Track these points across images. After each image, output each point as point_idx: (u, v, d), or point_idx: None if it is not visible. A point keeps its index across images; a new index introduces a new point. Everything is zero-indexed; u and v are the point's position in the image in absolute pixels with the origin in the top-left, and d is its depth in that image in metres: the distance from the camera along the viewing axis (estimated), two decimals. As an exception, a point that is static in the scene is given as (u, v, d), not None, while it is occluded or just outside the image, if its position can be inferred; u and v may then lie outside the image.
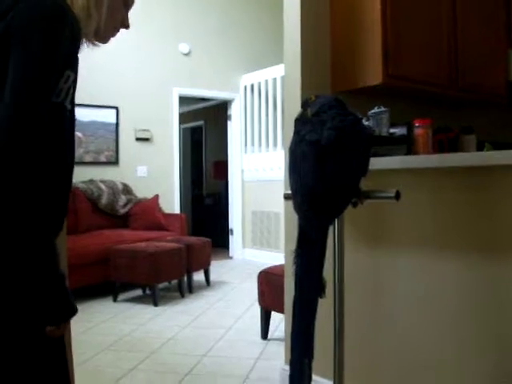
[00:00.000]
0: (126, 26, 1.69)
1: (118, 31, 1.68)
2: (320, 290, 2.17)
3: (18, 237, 1.27)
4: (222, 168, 11.30)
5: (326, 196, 2.00)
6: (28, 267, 1.29)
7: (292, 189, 2.16)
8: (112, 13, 1.59)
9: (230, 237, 9.84)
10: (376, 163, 2.60)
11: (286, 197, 2.40)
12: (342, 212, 2.12)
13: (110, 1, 1.57)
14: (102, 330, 5.03)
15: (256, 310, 5.08)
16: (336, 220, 2.21)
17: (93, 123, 7.93)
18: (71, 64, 1.42)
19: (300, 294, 2.17)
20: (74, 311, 1.39)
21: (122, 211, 7.76)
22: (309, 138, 2.03)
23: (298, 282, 2.18)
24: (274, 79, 8.96)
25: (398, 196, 2.07)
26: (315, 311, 2.18)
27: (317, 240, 2.13)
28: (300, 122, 2.18)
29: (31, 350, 1.36)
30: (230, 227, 9.86)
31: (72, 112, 1.53)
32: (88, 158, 7.91)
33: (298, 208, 2.13)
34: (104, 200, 7.54)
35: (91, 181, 7.62)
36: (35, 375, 1.39)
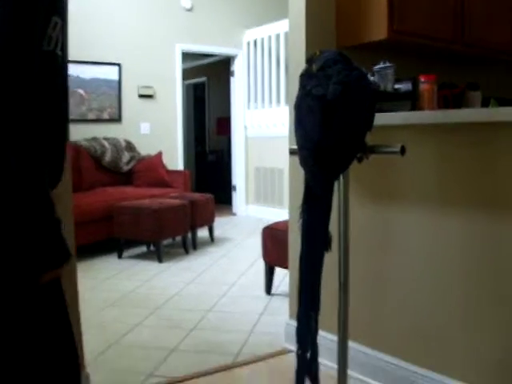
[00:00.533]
0: None
1: None
2: (326, 244, 2.17)
3: (10, 183, 1.26)
4: (224, 124, 11.27)
5: (331, 150, 2.00)
6: (21, 212, 1.29)
7: (298, 143, 2.15)
8: None
9: (233, 193, 9.86)
10: (381, 119, 2.58)
11: (292, 152, 2.39)
12: (348, 167, 2.12)
13: None
14: (107, 287, 5.08)
15: (260, 266, 5.12)
16: (341, 175, 2.21)
17: (95, 80, 7.88)
18: (57, 9, 1.37)
19: (306, 248, 2.19)
20: (68, 256, 1.38)
21: (126, 168, 7.77)
22: (315, 93, 2.01)
23: (304, 236, 2.19)
24: (278, 35, 8.86)
25: (403, 151, 2.06)
26: (321, 265, 2.19)
27: (322, 195, 2.13)
28: (305, 76, 2.17)
29: (28, 297, 1.36)
30: (233, 183, 9.87)
31: (64, 59, 1.47)
32: (91, 116, 7.88)
33: (304, 163, 2.12)
34: (107, 157, 7.54)
35: (94, 138, 7.61)
36: (33, 323, 1.39)
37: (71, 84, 7.16)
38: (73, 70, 7.22)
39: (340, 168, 2.10)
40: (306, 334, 2.17)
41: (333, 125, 1.98)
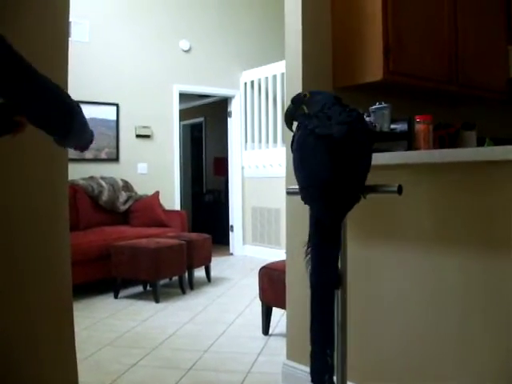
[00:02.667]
0: None
1: None
2: (338, 279, 2.17)
3: None
4: (222, 164, 11.32)
5: (339, 188, 2.01)
6: None
7: (302, 182, 2.14)
8: None
9: (231, 233, 9.85)
10: (377, 158, 2.61)
11: (290, 192, 2.41)
12: (354, 204, 2.11)
13: None
14: (104, 327, 5.05)
15: (257, 306, 5.10)
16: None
17: (93, 120, 7.92)
18: None
19: (318, 284, 2.16)
20: None
21: (123, 208, 7.77)
22: (319, 132, 2.02)
23: (314, 272, 2.15)
24: (274, 76, 8.96)
25: (400, 190, 2.08)
26: (333, 302, 2.17)
27: (333, 230, 2.12)
28: (302, 116, 2.18)
29: None
30: (230, 223, 9.87)
31: None
32: (88, 155, 7.91)
33: (311, 200, 2.12)
34: (105, 197, 7.55)
35: (92, 177, 7.63)
36: None
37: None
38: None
39: (348, 205, 2.10)
40: (323, 373, 2.13)
41: (339, 164, 1.99)
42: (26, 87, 1.49)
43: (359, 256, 2.91)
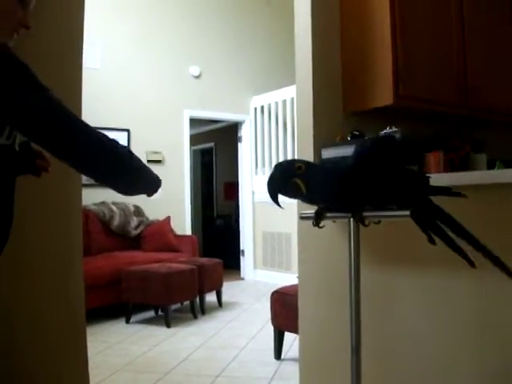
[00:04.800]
0: (26, 26, 1.58)
1: (17, 32, 1.58)
2: None
3: None
4: (232, 189, 11.35)
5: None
6: None
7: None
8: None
9: (242, 258, 9.85)
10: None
11: (303, 217, 2.42)
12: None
13: None
14: (116, 351, 5.05)
15: (269, 331, 5.09)
16: (351, 237, 2.22)
17: (104, 146, 7.95)
18: None
19: None
20: None
21: (134, 233, 7.79)
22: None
23: None
24: (284, 101, 9.01)
25: (413, 214, 2.09)
26: None
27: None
28: None
29: None
30: (241, 248, 9.87)
31: None
32: (100, 181, 7.93)
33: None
34: (116, 222, 7.58)
35: (103, 203, 7.66)
36: None
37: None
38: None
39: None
40: None
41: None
42: (76, 142, 1.49)
43: (372, 278, 2.92)
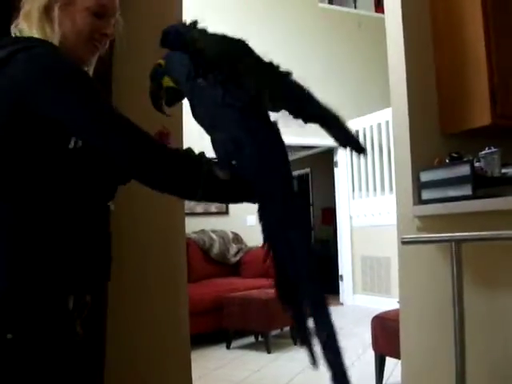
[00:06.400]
0: (106, 35, 1.57)
1: (100, 43, 1.57)
2: None
3: None
4: (329, 214, 11.32)
5: None
6: None
7: None
8: (72, 25, 1.51)
9: (340, 283, 9.79)
10: (491, 204, 2.59)
11: (405, 242, 2.41)
12: None
13: (63, 19, 1.49)
14: (217, 377, 5.11)
15: (369, 357, 5.03)
16: (454, 261, 2.20)
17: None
18: None
19: None
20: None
21: (234, 260, 7.89)
22: None
23: None
24: (379, 124, 8.95)
25: (515, 236, 2.05)
26: None
27: None
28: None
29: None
30: (339, 273, 9.82)
31: None
32: (199, 209, 8.12)
33: None
34: (216, 249, 7.70)
35: (203, 231, 7.81)
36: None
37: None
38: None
39: None
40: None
41: None
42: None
43: (477, 305, 2.86)
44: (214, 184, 1.47)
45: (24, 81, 1.33)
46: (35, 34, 1.46)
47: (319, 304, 1.47)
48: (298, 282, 1.47)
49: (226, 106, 1.52)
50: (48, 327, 1.35)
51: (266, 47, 7.29)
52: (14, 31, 1.50)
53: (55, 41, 1.46)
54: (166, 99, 1.68)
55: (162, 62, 1.64)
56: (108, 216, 1.53)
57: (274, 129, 1.62)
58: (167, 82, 1.64)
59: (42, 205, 1.35)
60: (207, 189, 1.45)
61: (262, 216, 1.51)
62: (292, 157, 11.41)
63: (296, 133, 9.18)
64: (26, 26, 1.48)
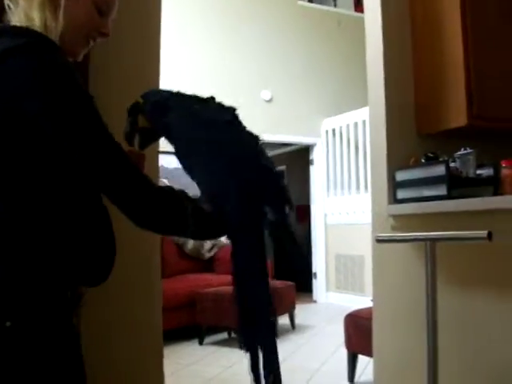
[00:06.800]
0: (105, 34, 1.54)
1: (94, 40, 1.54)
2: None
3: None
4: (304, 212, 11.34)
5: None
6: None
7: None
8: (75, 19, 1.44)
9: (314, 280, 9.82)
10: (464, 204, 2.60)
11: (379, 240, 2.41)
12: None
13: (68, 10, 1.42)
14: (190, 373, 5.10)
15: (341, 354, 5.05)
16: (428, 264, 2.20)
17: (177, 169, 8.09)
18: None
19: None
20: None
21: (208, 255, 7.88)
22: None
23: None
24: (355, 123, 8.99)
25: (490, 236, 2.06)
26: None
27: None
28: None
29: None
30: (313, 271, 9.84)
31: None
32: (174, 204, 8.07)
33: None
34: (190, 245, 7.68)
35: (177, 226, 7.77)
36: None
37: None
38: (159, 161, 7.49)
39: None
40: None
41: None
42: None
43: (450, 304, 2.88)
44: (201, 222, 1.51)
45: (17, 88, 1.27)
46: (34, 18, 1.36)
47: (271, 351, 1.56)
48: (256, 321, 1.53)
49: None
50: (47, 316, 1.34)
51: (246, 45, 7.37)
52: (7, 2, 1.39)
53: (55, 32, 1.38)
54: (140, 141, 1.67)
55: (140, 100, 1.64)
56: (106, 209, 1.49)
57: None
58: (143, 122, 1.63)
59: (38, 199, 1.32)
60: (197, 227, 1.50)
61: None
62: (268, 154, 11.39)
63: (272, 130, 9.22)
64: (25, 4, 1.38)
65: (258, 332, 1.50)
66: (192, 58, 8.56)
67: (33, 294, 1.31)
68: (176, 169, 7.97)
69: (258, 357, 1.48)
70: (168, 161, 7.83)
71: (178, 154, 1.65)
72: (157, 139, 1.68)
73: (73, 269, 1.38)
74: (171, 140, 1.63)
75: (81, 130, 1.31)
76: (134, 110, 1.64)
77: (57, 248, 1.34)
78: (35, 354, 1.31)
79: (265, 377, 1.50)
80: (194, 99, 1.71)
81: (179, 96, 1.69)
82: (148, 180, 1.43)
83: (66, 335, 1.39)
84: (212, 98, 1.72)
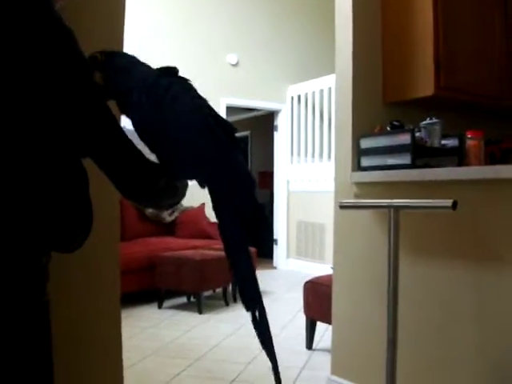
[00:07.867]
0: None
1: None
2: None
3: None
4: (267, 178, 11.34)
5: None
6: None
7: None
8: None
9: (275, 247, 9.85)
10: (428, 174, 2.59)
11: (343, 206, 2.40)
12: None
13: None
14: (148, 336, 5.08)
15: (300, 320, 5.07)
16: (391, 231, 2.20)
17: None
18: None
19: None
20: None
21: (169, 219, 7.83)
22: None
23: None
24: (321, 90, 8.96)
25: (454, 206, 2.06)
26: None
27: None
28: None
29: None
30: (274, 237, 9.87)
31: None
32: (136, 166, 7.99)
33: None
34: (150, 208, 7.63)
35: (138, 188, 7.70)
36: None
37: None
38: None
39: None
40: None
41: None
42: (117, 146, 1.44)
43: (412, 272, 2.89)
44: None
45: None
46: None
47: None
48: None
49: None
50: (20, 281, 1.28)
51: (212, 10, 7.22)
52: None
53: None
54: None
55: (98, 56, 1.54)
56: (83, 168, 1.43)
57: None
58: (99, 79, 1.52)
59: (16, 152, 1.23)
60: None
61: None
62: (232, 118, 11.33)
63: (238, 95, 9.13)
64: None
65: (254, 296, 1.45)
66: (156, 22, 8.40)
67: (7, 256, 1.24)
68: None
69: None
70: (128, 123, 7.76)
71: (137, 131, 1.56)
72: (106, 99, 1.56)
73: (49, 232, 1.31)
74: (127, 115, 1.55)
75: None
76: (90, 63, 1.51)
77: (31, 206, 1.26)
78: (5, 320, 1.25)
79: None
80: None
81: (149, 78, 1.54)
82: (138, 150, 1.45)
83: (37, 303, 1.34)
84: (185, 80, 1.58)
